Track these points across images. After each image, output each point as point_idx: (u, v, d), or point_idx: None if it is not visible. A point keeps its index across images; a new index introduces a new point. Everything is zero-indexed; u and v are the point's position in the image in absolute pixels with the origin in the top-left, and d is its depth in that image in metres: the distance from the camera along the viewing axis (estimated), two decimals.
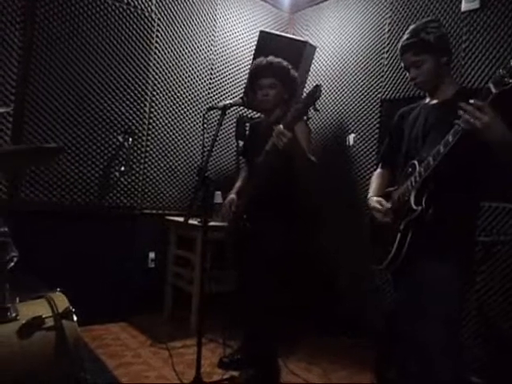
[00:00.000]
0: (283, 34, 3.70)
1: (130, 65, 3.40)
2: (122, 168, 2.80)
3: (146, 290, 3.44)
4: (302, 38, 3.67)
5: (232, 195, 2.60)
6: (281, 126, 1.93)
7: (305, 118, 1.99)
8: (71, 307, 1.60)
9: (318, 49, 3.83)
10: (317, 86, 1.83)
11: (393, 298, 1.91)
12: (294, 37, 3.69)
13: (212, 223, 3.07)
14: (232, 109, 3.03)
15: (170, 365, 2.57)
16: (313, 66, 3.81)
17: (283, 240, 2.35)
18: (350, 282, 3.44)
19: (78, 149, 3.17)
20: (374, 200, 1.98)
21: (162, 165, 3.63)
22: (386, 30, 3.45)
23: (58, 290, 1.70)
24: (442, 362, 1.60)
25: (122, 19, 3.34)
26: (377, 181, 2.11)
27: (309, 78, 3.83)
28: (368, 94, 3.54)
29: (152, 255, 3.59)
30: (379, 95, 3.45)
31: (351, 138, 3.64)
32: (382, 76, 3.43)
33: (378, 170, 2.17)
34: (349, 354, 3.01)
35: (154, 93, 3.56)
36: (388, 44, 3.42)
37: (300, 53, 3.43)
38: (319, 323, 3.34)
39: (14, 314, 1.47)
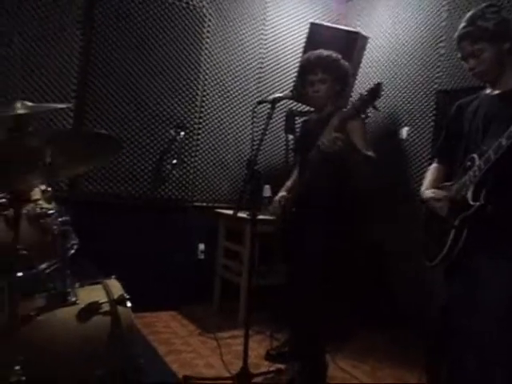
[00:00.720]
0: (334, 25, 3.63)
1: (183, 60, 3.47)
2: (174, 161, 2.87)
3: (196, 280, 3.52)
4: (353, 29, 3.59)
5: (283, 192, 2.59)
6: (334, 134, 1.89)
7: (363, 115, 1.94)
8: (125, 294, 1.67)
9: (370, 39, 3.72)
10: (378, 84, 1.76)
11: (447, 293, 1.85)
12: (345, 28, 3.61)
13: (261, 217, 3.07)
14: (282, 102, 3.02)
15: (217, 354, 2.61)
16: (364, 57, 3.71)
17: (331, 235, 2.31)
18: (402, 278, 3.35)
19: (132, 142, 3.30)
20: (428, 191, 1.91)
21: (212, 158, 3.69)
22: (444, 17, 3.29)
23: (114, 277, 1.78)
24: (499, 358, 1.54)
25: (175, 15, 3.42)
26: (431, 175, 2.03)
27: (360, 69, 3.73)
28: (423, 85, 3.40)
29: (202, 247, 3.67)
30: (435, 86, 3.30)
31: (405, 131, 3.51)
32: (439, 66, 3.28)
33: (434, 165, 2.08)
34: (398, 351, 2.94)
35: (205, 87, 3.62)
36: (446, 32, 3.27)
37: (351, 44, 3.35)
38: (369, 319, 3.28)
39: (73, 299, 1.56)
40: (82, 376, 1.54)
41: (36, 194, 1.49)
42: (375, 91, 1.77)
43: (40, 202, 1.50)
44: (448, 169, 1.98)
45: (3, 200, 1.37)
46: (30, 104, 1.39)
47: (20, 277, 1.23)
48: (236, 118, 3.79)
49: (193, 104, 3.54)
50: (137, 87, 3.30)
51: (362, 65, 3.73)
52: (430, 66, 3.36)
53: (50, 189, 1.62)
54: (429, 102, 3.36)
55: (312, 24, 3.45)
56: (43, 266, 1.50)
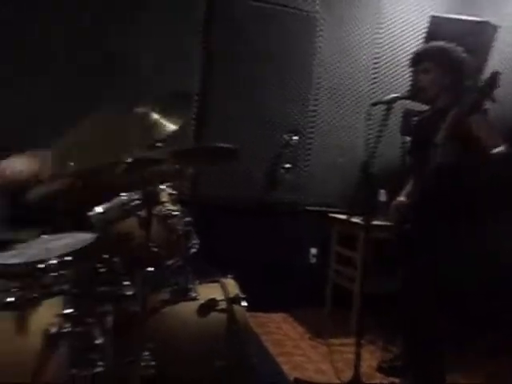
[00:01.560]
0: (457, 16, 3.35)
1: (295, 65, 3.52)
2: (287, 165, 2.93)
3: (307, 284, 3.53)
4: (480, 19, 3.28)
5: (401, 198, 2.47)
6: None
7: (484, 107, 1.77)
8: (241, 293, 1.74)
9: (500, 28, 3.36)
10: (494, 72, 1.60)
11: None
12: (470, 18, 3.31)
13: (376, 222, 2.97)
14: (398, 103, 2.89)
15: (328, 360, 2.59)
16: (495, 48, 3.36)
17: (449, 243, 2.14)
18: None
19: (247, 148, 3.43)
20: None
21: (325, 162, 3.67)
22: None
23: (230, 276, 1.86)
24: None
25: (288, 23, 3.48)
26: None
27: (491, 61, 3.39)
28: None
29: (313, 251, 3.66)
30: None
31: None
32: None
33: None
34: None
35: (318, 91, 3.61)
36: None
37: (478, 35, 3.06)
38: (497, 338, 2.96)
39: (194, 295, 1.67)
40: (201, 366, 1.64)
41: (164, 196, 1.63)
42: (492, 81, 1.60)
43: (167, 203, 1.64)
44: None
45: (138, 201, 1.54)
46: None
47: (150, 272, 1.36)
48: (349, 120, 3.72)
49: (306, 108, 3.56)
50: (252, 93, 3.41)
51: (492, 57, 3.39)
52: None
53: (175, 192, 1.76)
54: None
55: (433, 17, 3.24)
56: (169, 263, 1.63)
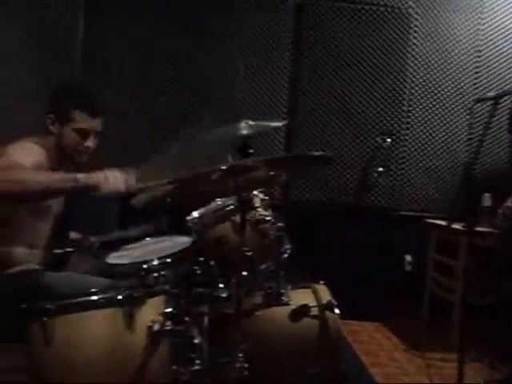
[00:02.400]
0: None
1: (388, 65, 3.41)
2: (380, 169, 2.83)
3: (402, 293, 3.37)
4: None
5: (510, 203, 2.27)
6: None
7: None
8: (333, 300, 1.71)
9: None
10: None
11: None
12: None
13: (479, 229, 2.76)
14: (504, 98, 2.65)
15: (425, 375, 2.44)
16: None
17: None
18: None
19: (339, 152, 3.40)
20: None
21: (421, 164, 3.49)
22: None
23: (322, 282, 1.84)
24: None
25: (379, 22, 3.38)
26: None
27: None
28: None
29: (408, 258, 3.50)
30: None
31: None
32: None
33: None
34: None
35: (413, 91, 3.46)
36: None
37: None
38: None
39: (286, 300, 1.67)
40: (292, 371, 1.64)
41: (256, 201, 1.66)
42: None
43: (259, 209, 1.67)
44: None
45: (232, 207, 1.59)
46: (252, 123, 1.56)
47: (244, 276, 1.39)
48: (448, 119, 3.50)
49: (399, 109, 3.42)
50: (342, 97, 3.39)
51: None
52: None
53: (266, 197, 1.79)
54: None
55: None
56: (262, 267, 1.66)
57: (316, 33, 3.37)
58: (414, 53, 3.45)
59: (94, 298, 1.29)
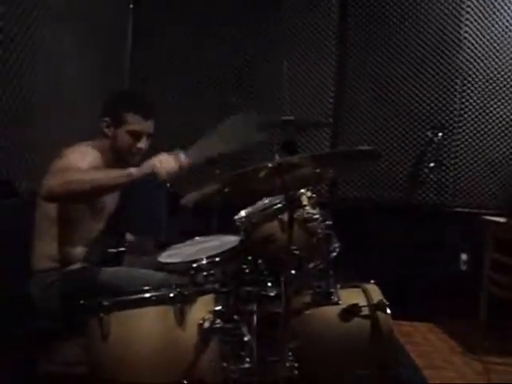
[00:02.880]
0: None
1: (437, 54, 3.29)
2: (432, 164, 2.72)
3: (457, 293, 3.22)
4: None
5: None
6: None
7: None
8: (385, 300, 1.66)
9: None
10: None
11: None
12: None
13: None
14: None
15: (485, 380, 2.33)
16: None
17: None
18: None
19: (387, 147, 3.32)
20: None
21: (476, 158, 3.33)
22: None
23: (372, 281, 1.80)
24: None
25: (427, 9, 3.26)
26: None
27: None
28: None
29: (464, 257, 3.34)
30: None
31: None
32: None
33: None
34: None
35: (465, 81, 3.30)
36: None
37: None
38: None
39: (336, 299, 1.65)
40: (342, 371, 1.62)
41: (304, 200, 1.65)
42: None
43: (307, 207, 1.65)
44: None
45: (280, 205, 1.58)
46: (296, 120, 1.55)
47: (293, 274, 1.39)
48: (506, 109, 3.30)
49: (451, 101, 3.29)
50: (390, 91, 3.31)
51: None
52: None
53: (314, 195, 1.76)
54: None
55: None
56: (310, 266, 1.65)
57: (361, 26, 3.32)
58: (466, 41, 3.29)
59: (147, 295, 1.32)
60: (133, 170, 1.49)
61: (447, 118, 3.29)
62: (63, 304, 1.59)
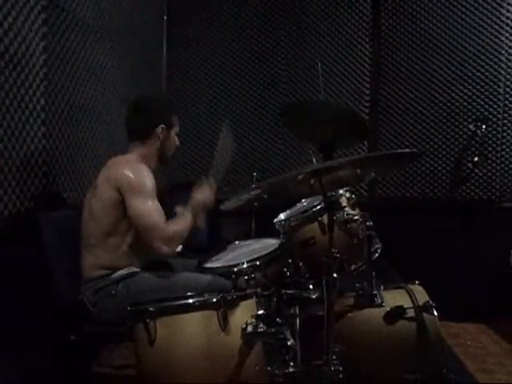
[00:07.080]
0: None
1: (477, 44, 3.15)
2: (476, 158, 2.63)
3: (509, 292, 3.09)
4: None
5: None
6: None
7: None
8: (431, 301, 1.62)
9: None
10: None
11: None
12: None
13: None
14: None
15: None
16: None
17: None
18: None
19: (427, 143, 3.23)
20: None
21: None
22: None
23: (417, 282, 1.75)
24: None
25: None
26: None
27: None
28: None
29: None
30: None
31: None
32: None
33: None
34: None
35: (510, 70, 3.15)
36: None
37: None
38: None
39: (379, 301, 1.62)
40: (388, 376, 1.58)
41: (343, 201, 1.63)
42: None
43: (347, 208, 1.63)
44: None
45: (319, 207, 1.58)
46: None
47: (334, 277, 1.37)
48: None
49: (494, 92, 3.15)
50: (428, 84, 3.21)
51: None
52: None
53: (353, 196, 1.74)
54: None
55: None
56: (352, 268, 1.63)
57: (395, 20, 3.24)
58: (510, 29, 3.15)
59: (191, 301, 1.34)
60: (193, 212, 1.75)
61: (491, 109, 3.16)
62: (113, 310, 1.65)
